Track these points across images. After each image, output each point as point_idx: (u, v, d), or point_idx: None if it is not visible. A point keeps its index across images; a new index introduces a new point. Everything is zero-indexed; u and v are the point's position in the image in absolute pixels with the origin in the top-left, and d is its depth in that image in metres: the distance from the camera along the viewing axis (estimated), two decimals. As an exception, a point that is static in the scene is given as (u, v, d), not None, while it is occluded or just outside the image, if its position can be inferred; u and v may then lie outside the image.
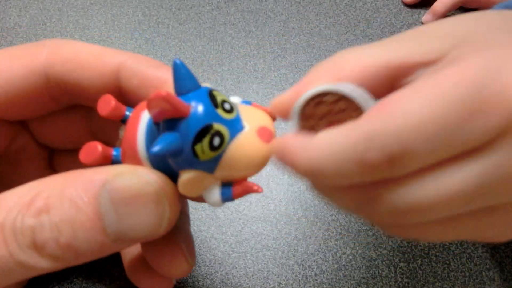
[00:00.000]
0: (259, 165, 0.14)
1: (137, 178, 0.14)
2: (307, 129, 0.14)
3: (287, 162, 0.13)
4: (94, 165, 0.15)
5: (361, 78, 0.14)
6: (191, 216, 0.29)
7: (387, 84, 0.14)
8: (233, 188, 0.14)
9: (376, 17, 0.41)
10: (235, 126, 0.14)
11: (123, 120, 0.16)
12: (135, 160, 0.15)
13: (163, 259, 0.17)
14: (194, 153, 0.13)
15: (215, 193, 0.14)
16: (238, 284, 0.26)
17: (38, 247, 0.13)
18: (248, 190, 0.14)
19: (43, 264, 0.13)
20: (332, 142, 0.12)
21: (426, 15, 0.41)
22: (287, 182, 0.30)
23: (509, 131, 0.11)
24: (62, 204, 0.13)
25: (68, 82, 0.17)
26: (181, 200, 0.20)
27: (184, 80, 0.13)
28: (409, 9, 0.42)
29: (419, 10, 0.42)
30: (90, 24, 0.40)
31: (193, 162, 0.13)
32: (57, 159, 0.22)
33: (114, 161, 0.16)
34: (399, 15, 0.42)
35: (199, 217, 0.28)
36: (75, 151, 0.22)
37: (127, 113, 0.16)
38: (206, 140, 0.13)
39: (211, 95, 0.14)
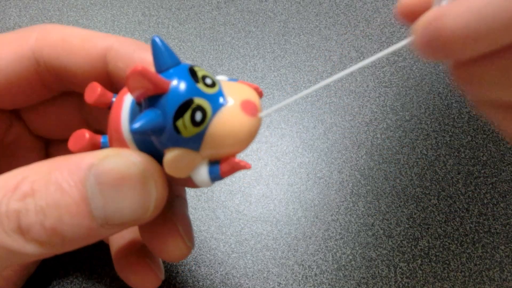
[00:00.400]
0: (245, 139, 0.14)
1: (122, 160, 0.13)
2: None
3: (434, 29, 0.11)
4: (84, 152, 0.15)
5: None
6: (190, 216, 0.29)
7: None
8: (220, 166, 0.14)
9: (376, 17, 0.41)
10: (218, 100, 0.13)
11: (110, 107, 0.16)
12: (121, 143, 0.15)
13: (161, 241, 0.17)
14: (176, 129, 0.13)
15: (203, 172, 0.14)
16: (238, 284, 0.26)
17: (23, 231, 0.13)
18: (236, 167, 0.14)
19: (28, 249, 0.13)
20: None
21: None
22: (287, 182, 0.30)
23: None
24: (47, 188, 0.13)
25: (57, 66, 0.17)
26: (175, 185, 0.19)
27: (164, 57, 0.13)
28: (409, 9, 0.42)
29: (419, 10, 0.42)
30: (90, 24, 0.40)
31: (177, 139, 0.13)
32: (53, 150, 0.22)
33: (103, 148, 0.16)
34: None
35: (199, 217, 0.28)
36: None
37: (114, 99, 0.16)
38: (187, 115, 0.13)
39: (191, 70, 0.13)
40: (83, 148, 0.15)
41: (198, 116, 0.13)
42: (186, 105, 0.12)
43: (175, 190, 0.19)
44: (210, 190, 0.30)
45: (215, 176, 0.14)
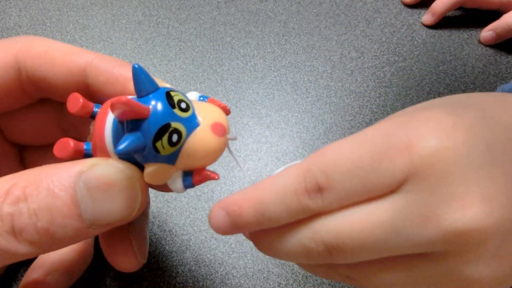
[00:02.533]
0: (214, 156, 0.16)
1: (111, 167, 0.15)
2: None
3: (233, 218, 0.15)
4: (68, 159, 0.16)
5: None
6: (190, 216, 0.29)
7: None
8: (193, 177, 0.16)
9: (376, 17, 0.41)
10: (191, 123, 0.15)
11: (92, 116, 0.17)
12: (104, 152, 0.16)
13: (115, 253, 0.18)
14: (156, 149, 0.15)
15: (178, 181, 0.16)
16: (238, 284, 0.26)
17: (16, 232, 0.14)
18: (207, 178, 0.16)
19: (20, 249, 0.14)
20: (276, 179, 0.15)
21: (426, 15, 0.41)
22: (287, 182, 0.30)
23: (411, 177, 0.14)
24: (39, 193, 0.14)
25: (39, 76, 0.18)
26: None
27: (143, 84, 0.15)
28: (409, 9, 0.42)
29: (419, 10, 0.42)
30: (90, 24, 0.40)
31: (156, 156, 0.15)
32: (27, 156, 0.23)
33: (86, 155, 0.17)
34: (399, 15, 0.42)
35: (199, 217, 0.28)
36: (45, 147, 0.22)
37: (96, 109, 0.17)
38: (165, 138, 0.14)
39: (168, 96, 0.15)
40: (69, 155, 0.17)
41: (175, 138, 0.15)
42: (164, 129, 0.14)
43: None
44: (210, 190, 0.30)
45: (188, 185, 0.16)
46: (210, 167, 0.17)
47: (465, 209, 0.13)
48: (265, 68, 0.37)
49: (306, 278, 0.26)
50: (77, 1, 0.41)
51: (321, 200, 0.15)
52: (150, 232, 0.28)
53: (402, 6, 0.42)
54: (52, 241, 0.14)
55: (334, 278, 0.17)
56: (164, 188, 0.17)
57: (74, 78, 0.18)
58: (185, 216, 0.28)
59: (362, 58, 0.38)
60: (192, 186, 0.16)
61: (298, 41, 0.39)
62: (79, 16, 0.40)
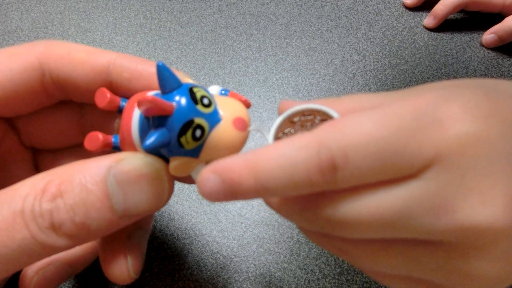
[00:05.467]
0: (236, 149, 0.17)
1: (139, 160, 0.16)
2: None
3: (230, 185, 0.14)
4: (99, 151, 0.17)
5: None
6: (192, 220, 0.28)
7: None
8: None
9: (378, 20, 0.41)
10: (214, 118, 0.16)
11: (119, 110, 0.18)
12: (132, 147, 0.17)
13: (109, 262, 0.19)
14: (180, 144, 0.15)
15: None
16: (240, 288, 0.26)
17: (56, 227, 0.15)
18: None
19: (59, 243, 0.15)
20: (282, 149, 0.14)
21: (428, 18, 0.41)
22: (289, 185, 0.30)
23: (435, 163, 0.13)
24: (73, 189, 0.15)
25: (62, 77, 0.19)
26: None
27: (167, 81, 0.15)
28: (410, 12, 0.42)
29: (420, 13, 0.42)
30: (92, 27, 0.40)
31: (180, 150, 0.16)
32: (41, 160, 0.23)
33: (114, 147, 0.18)
34: (400, 18, 0.42)
35: (201, 221, 0.28)
36: (59, 151, 0.22)
37: (123, 103, 0.18)
38: (189, 133, 0.15)
39: (191, 92, 0.16)
40: (99, 147, 0.17)
41: (198, 133, 0.15)
42: (188, 125, 0.15)
43: (138, 222, 0.20)
44: (212, 193, 0.29)
45: None
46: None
47: (485, 206, 0.13)
48: (266, 71, 0.37)
49: (309, 282, 0.26)
50: (79, 4, 0.41)
51: (333, 180, 0.13)
52: (151, 236, 0.28)
53: (404, 9, 0.42)
54: (87, 233, 0.15)
55: (327, 248, 0.17)
56: (187, 179, 0.18)
57: (98, 76, 0.19)
58: (187, 220, 0.28)
59: (364, 61, 0.38)
60: None
61: (299, 44, 0.39)
62: (81, 19, 0.40)
